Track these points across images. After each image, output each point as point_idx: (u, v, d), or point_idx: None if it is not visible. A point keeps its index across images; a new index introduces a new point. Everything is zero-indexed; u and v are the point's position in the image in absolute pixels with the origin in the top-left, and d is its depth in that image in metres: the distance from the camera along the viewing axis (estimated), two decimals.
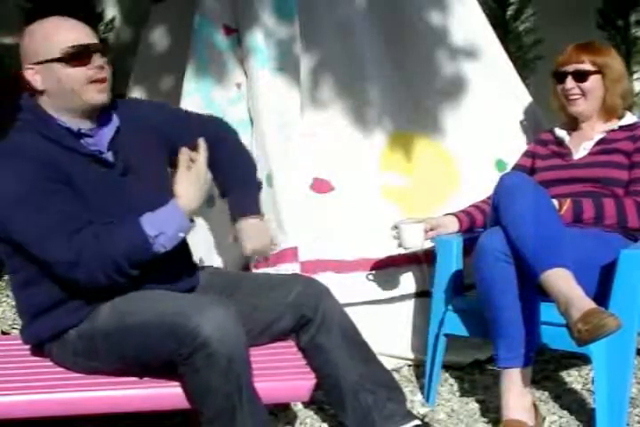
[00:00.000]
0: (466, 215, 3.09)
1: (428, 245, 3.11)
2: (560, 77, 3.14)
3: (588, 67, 3.10)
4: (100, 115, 2.46)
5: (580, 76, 3.10)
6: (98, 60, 2.39)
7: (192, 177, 2.35)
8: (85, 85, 2.38)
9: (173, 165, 2.42)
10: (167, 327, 2.23)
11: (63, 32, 2.38)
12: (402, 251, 3.13)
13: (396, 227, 2.99)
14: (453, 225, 3.06)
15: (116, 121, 2.49)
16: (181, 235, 2.34)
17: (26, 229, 2.28)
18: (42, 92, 2.40)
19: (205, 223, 3.23)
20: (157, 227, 2.29)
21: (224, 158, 2.67)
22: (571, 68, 3.12)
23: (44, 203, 2.27)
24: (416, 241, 2.97)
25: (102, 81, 2.40)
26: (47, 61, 2.37)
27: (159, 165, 2.56)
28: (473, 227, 3.09)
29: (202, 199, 2.38)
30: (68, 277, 2.30)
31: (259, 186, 2.81)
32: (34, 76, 2.39)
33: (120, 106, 2.53)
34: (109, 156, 2.44)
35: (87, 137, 2.43)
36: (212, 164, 2.43)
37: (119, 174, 2.43)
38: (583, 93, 3.11)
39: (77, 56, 2.37)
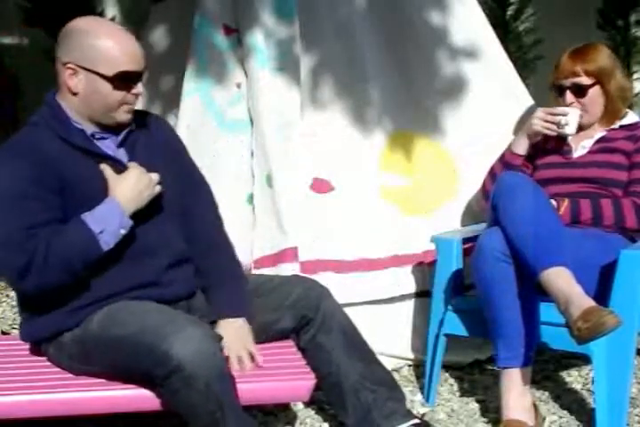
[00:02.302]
0: None
1: (430, 246, 3.13)
2: (559, 91, 3.11)
3: (584, 80, 3.05)
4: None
5: (579, 91, 3.06)
6: (139, 87, 2.40)
7: (130, 180, 2.35)
8: (119, 106, 2.39)
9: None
10: (144, 346, 2.22)
11: (121, 51, 2.34)
12: (392, 251, 3.16)
13: (554, 114, 3.05)
14: None
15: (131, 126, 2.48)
16: (122, 231, 2.34)
17: None
18: (74, 94, 2.38)
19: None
20: (100, 224, 2.29)
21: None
22: (568, 82, 3.07)
23: (20, 208, 2.28)
24: (575, 128, 3.07)
25: (133, 103, 2.42)
26: (94, 73, 2.34)
27: (164, 179, 2.49)
28: None
29: (140, 202, 2.37)
30: (20, 283, 2.31)
31: (245, 280, 2.61)
32: (72, 76, 2.36)
33: (140, 117, 2.52)
34: (123, 156, 2.45)
35: (101, 140, 2.44)
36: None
37: None
38: (584, 107, 3.07)
39: (125, 81, 2.37)
